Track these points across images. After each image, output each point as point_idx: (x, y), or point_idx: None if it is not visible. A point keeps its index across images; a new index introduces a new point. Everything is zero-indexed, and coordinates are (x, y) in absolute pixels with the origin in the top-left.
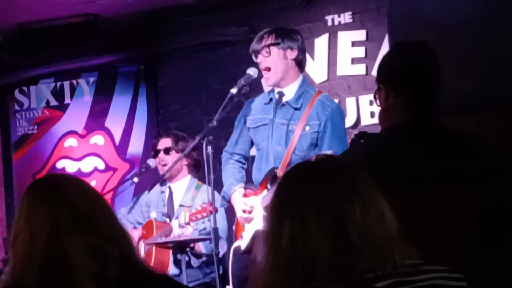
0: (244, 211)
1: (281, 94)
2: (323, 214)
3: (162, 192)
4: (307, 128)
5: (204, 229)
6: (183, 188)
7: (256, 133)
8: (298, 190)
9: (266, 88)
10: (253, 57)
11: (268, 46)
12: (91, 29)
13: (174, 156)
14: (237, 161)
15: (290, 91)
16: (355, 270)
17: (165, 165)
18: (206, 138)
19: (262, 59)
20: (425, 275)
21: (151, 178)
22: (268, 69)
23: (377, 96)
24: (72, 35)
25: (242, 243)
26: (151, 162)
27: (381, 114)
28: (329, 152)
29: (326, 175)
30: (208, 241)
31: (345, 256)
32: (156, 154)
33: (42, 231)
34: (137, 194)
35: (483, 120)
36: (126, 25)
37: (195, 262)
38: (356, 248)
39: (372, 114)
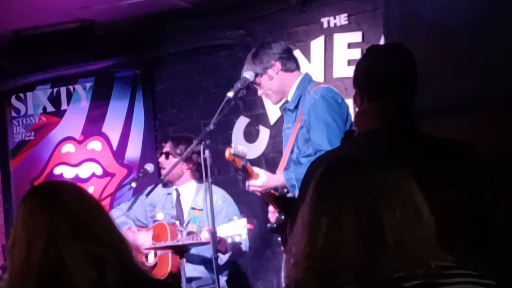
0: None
1: (285, 101)
2: (362, 214)
3: (169, 193)
4: (299, 125)
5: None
6: (192, 191)
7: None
8: (338, 187)
9: None
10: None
11: (253, 82)
12: (88, 34)
13: (172, 160)
14: None
15: (290, 95)
16: (385, 272)
17: (164, 169)
18: (203, 142)
19: (259, 93)
20: (455, 279)
21: (149, 183)
22: (267, 94)
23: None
24: (68, 41)
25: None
26: (149, 167)
27: (355, 118)
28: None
29: (366, 173)
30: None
31: (378, 257)
32: (159, 157)
33: (39, 239)
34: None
35: (482, 121)
36: (122, 30)
37: (221, 260)
38: (390, 250)
39: None
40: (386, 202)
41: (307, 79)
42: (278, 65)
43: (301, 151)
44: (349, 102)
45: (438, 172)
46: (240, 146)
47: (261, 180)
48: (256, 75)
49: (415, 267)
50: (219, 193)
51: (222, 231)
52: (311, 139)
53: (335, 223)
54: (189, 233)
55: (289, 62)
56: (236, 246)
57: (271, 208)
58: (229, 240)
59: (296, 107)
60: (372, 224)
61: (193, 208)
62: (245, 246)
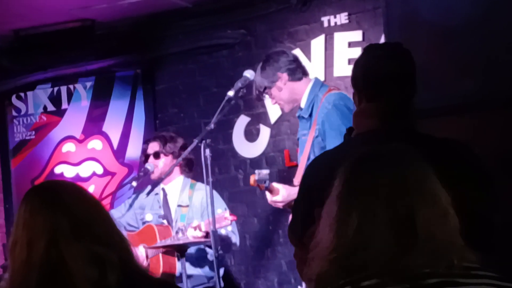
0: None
1: (300, 109)
2: (394, 208)
3: (156, 193)
4: (314, 134)
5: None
6: (178, 188)
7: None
8: (369, 181)
9: None
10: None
11: (262, 93)
12: (88, 34)
13: (164, 159)
14: None
15: (303, 102)
16: (412, 267)
17: (155, 168)
18: (204, 141)
19: (272, 101)
20: (476, 279)
21: (150, 182)
22: (279, 103)
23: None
24: (69, 41)
25: None
26: (149, 166)
27: (353, 118)
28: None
29: (396, 168)
30: (225, 227)
31: (407, 253)
32: (146, 159)
33: (40, 239)
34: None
35: (483, 121)
36: (122, 29)
37: (211, 255)
38: (419, 246)
39: None
40: (418, 196)
41: (317, 85)
42: (285, 76)
43: None
44: None
45: (437, 172)
46: (263, 171)
47: (281, 195)
48: (264, 88)
49: (440, 264)
50: (203, 189)
51: (207, 225)
52: (327, 148)
53: (366, 217)
54: (177, 232)
55: (296, 72)
56: (225, 240)
57: None
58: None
59: (310, 115)
60: (404, 219)
61: (179, 206)
62: (234, 239)
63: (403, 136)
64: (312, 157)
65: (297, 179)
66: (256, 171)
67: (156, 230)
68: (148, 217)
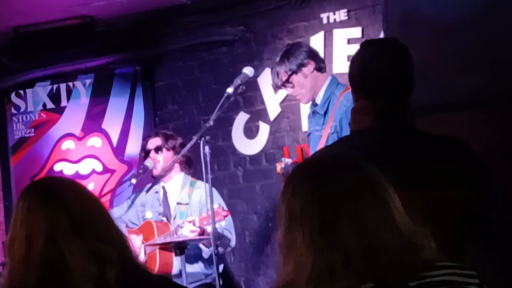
0: None
1: (314, 104)
2: (377, 207)
3: (157, 192)
4: (329, 131)
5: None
6: (178, 186)
7: (309, 143)
8: (342, 185)
9: (264, 87)
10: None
11: (288, 79)
12: (87, 31)
13: (165, 154)
14: None
15: (319, 98)
16: (375, 269)
17: (156, 163)
18: (203, 138)
19: (290, 91)
20: (438, 271)
21: (149, 180)
22: (299, 93)
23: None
24: (68, 38)
25: None
26: (148, 163)
27: (351, 115)
28: None
29: (356, 169)
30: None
31: (368, 256)
32: (146, 154)
33: (38, 236)
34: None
35: (482, 118)
36: (122, 26)
37: (207, 253)
38: (405, 241)
39: None
40: (386, 193)
41: (334, 83)
42: (312, 64)
43: None
44: None
45: (434, 169)
46: (287, 160)
47: None
48: (292, 73)
49: (403, 261)
50: (203, 187)
51: (201, 221)
52: None
53: (355, 220)
54: (175, 228)
55: (321, 62)
56: (222, 238)
57: None
58: (209, 229)
59: (326, 111)
60: (385, 215)
61: (178, 203)
62: (230, 236)
63: (400, 134)
64: None
65: None
66: (282, 159)
67: (155, 226)
68: (148, 214)
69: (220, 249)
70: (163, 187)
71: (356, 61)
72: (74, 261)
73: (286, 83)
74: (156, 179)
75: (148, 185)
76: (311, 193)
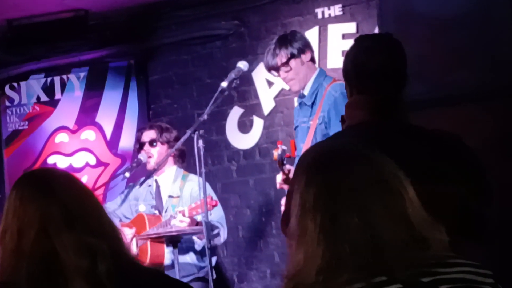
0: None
1: (302, 95)
2: (388, 200)
3: (149, 185)
4: (317, 121)
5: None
6: (170, 179)
7: (296, 136)
8: (355, 178)
9: (258, 81)
10: (272, 74)
11: (287, 62)
12: (81, 24)
13: (159, 147)
14: None
15: (307, 89)
16: (388, 262)
17: (150, 157)
18: (197, 132)
19: (284, 75)
20: (452, 268)
21: (142, 173)
22: (292, 79)
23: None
24: (62, 31)
25: None
26: (142, 156)
27: (345, 110)
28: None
29: (369, 160)
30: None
31: (380, 250)
32: (141, 146)
33: (30, 227)
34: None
35: (477, 112)
36: (116, 20)
37: (199, 245)
38: (391, 242)
39: None
40: (401, 185)
41: (322, 75)
42: (309, 53)
43: None
44: None
45: (429, 165)
46: (284, 147)
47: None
48: (291, 56)
49: (416, 256)
50: (194, 181)
51: (190, 211)
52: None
53: (364, 214)
54: (166, 220)
55: (314, 54)
56: (213, 229)
57: None
58: (199, 218)
59: (313, 103)
60: (398, 209)
61: (170, 197)
62: (221, 231)
63: (394, 128)
64: None
65: None
66: (279, 146)
67: (146, 219)
68: (141, 208)
69: (213, 242)
70: (156, 180)
71: (350, 56)
72: (65, 254)
73: (283, 65)
74: (149, 173)
75: (142, 179)
76: (323, 184)
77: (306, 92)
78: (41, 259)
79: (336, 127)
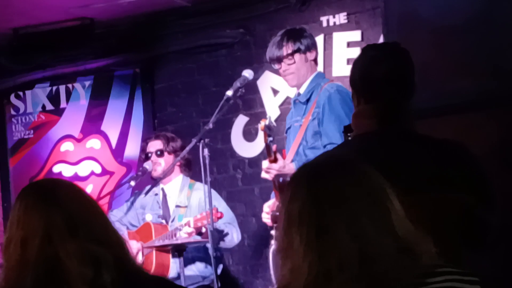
0: (267, 213)
1: (298, 94)
2: (374, 212)
3: (156, 194)
4: (310, 117)
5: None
6: (177, 188)
7: (287, 138)
8: (340, 189)
9: (264, 90)
10: (273, 65)
11: (292, 54)
12: (87, 33)
13: (166, 157)
14: None
15: (303, 88)
16: (377, 275)
17: (157, 166)
18: (202, 141)
19: (286, 67)
20: (439, 277)
21: (148, 182)
22: (292, 73)
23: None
24: (67, 39)
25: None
26: (147, 165)
27: (353, 119)
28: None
29: (355, 172)
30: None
31: (369, 262)
32: (147, 157)
33: (34, 237)
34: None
35: (482, 120)
36: (121, 28)
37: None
38: (402, 246)
39: None
40: (387, 198)
41: (321, 76)
42: (314, 52)
43: (308, 143)
44: None
45: (435, 172)
46: (273, 121)
47: (279, 164)
48: (295, 52)
49: (406, 266)
50: (201, 189)
51: (196, 222)
52: (324, 131)
53: (352, 225)
54: (173, 230)
55: (318, 55)
56: (224, 235)
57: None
58: (203, 230)
59: (308, 100)
60: (384, 221)
61: (178, 206)
62: (235, 232)
63: (402, 138)
64: (303, 143)
65: (288, 159)
66: (268, 116)
67: (153, 228)
68: (148, 217)
69: (223, 243)
70: (163, 189)
71: (357, 65)
72: (69, 263)
73: (288, 57)
74: (155, 181)
75: (147, 187)
76: (308, 196)
77: (302, 90)
78: (45, 267)
79: (328, 123)
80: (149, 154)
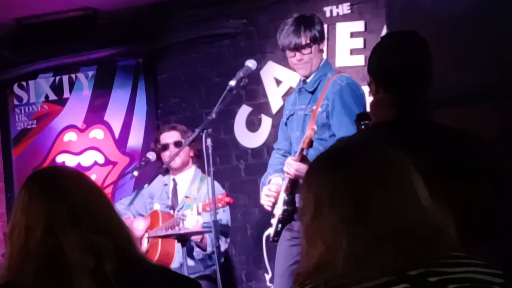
0: (268, 196)
1: (304, 82)
2: (404, 187)
3: (166, 184)
4: (319, 109)
5: (220, 220)
6: (188, 179)
7: (288, 126)
8: (369, 167)
9: (267, 80)
10: (287, 52)
11: (310, 44)
12: (90, 23)
13: (184, 148)
14: (282, 155)
15: (310, 77)
16: (393, 260)
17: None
18: (205, 131)
19: (301, 56)
20: (461, 268)
21: (151, 172)
22: (307, 62)
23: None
24: (70, 30)
25: (272, 230)
26: (150, 155)
27: (371, 107)
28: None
29: (380, 152)
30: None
31: (384, 247)
32: (164, 147)
33: (37, 225)
34: (138, 186)
35: (483, 112)
36: (125, 19)
37: (198, 254)
38: (396, 237)
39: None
40: (406, 179)
41: (327, 65)
42: (324, 41)
43: (318, 136)
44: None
45: (454, 163)
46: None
47: (299, 165)
48: (315, 39)
49: (422, 254)
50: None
51: (204, 207)
52: (335, 125)
53: (358, 208)
54: (179, 217)
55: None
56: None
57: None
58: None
59: (315, 90)
60: (363, 212)
61: (186, 197)
62: (225, 221)
63: (421, 127)
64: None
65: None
66: (315, 126)
67: (160, 216)
68: (156, 206)
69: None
70: (174, 180)
71: (375, 53)
72: (71, 253)
73: (306, 47)
74: (158, 171)
75: (159, 177)
76: (339, 176)
77: (309, 79)
78: (47, 257)
79: (340, 118)
80: (167, 145)
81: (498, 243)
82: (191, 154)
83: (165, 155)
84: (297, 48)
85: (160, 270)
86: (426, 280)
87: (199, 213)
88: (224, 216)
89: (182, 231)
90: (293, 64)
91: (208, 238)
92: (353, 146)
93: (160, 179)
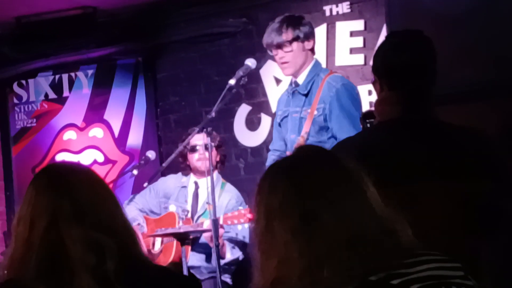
0: None
1: (296, 84)
2: (354, 194)
3: (184, 186)
4: (315, 112)
5: (236, 235)
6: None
7: (283, 127)
8: (318, 176)
9: (266, 79)
10: (270, 51)
11: (291, 42)
12: (90, 21)
13: (213, 152)
14: (278, 156)
15: (301, 78)
16: (350, 268)
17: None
18: (205, 130)
19: (282, 54)
20: (421, 266)
21: (151, 170)
22: (288, 62)
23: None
24: (70, 28)
25: None
26: (150, 154)
27: (376, 106)
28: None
29: (331, 159)
30: (235, 248)
31: (385, 235)
32: (193, 149)
33: (41, 219)
34: (138, 185)
35: (483, 109)
36: (124, 17)
37: (214, 259)
38: (383, 226)
39: (371, 104)
40: (363, 183)
41: (319, 65)
42: (312, 42)
43: (316, 139)
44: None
45: (459, 161)
46: None
47: None
48: (294, 40)
49: (380, 258)
50: (233, 192)
51: (225, 220)
52: (335, 128)
53: (332, 208)
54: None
55: (315, 44)
56: (240, 244)
57: None
58: (239, 228)
59: (309, 92)
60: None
61: (207, 203)
62: (242, 237)
63: (426, 125)
64: (310, 138)
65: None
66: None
67: (177, 219)
68: (172, 207)
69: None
70: (196, 183)
71: (380, 52)
72: (73, 249)
73: (287, 44)
74: (160, 169)
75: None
76: (288, 187)
77: (300, 81)
78: (49, 251)
79: (339, 120)
80: (197, 147)
81: (502, 239)
82: (218, 158)
83: (193, 157)
84: (278, 46)
85: (162, 270)
86: (388, 284)
87: (221, 226)
88: (242, 231)
89: (181, 230)
90: (277, 62)
91: (228, 246)
92: (304, 157)
93: (177, 179)
